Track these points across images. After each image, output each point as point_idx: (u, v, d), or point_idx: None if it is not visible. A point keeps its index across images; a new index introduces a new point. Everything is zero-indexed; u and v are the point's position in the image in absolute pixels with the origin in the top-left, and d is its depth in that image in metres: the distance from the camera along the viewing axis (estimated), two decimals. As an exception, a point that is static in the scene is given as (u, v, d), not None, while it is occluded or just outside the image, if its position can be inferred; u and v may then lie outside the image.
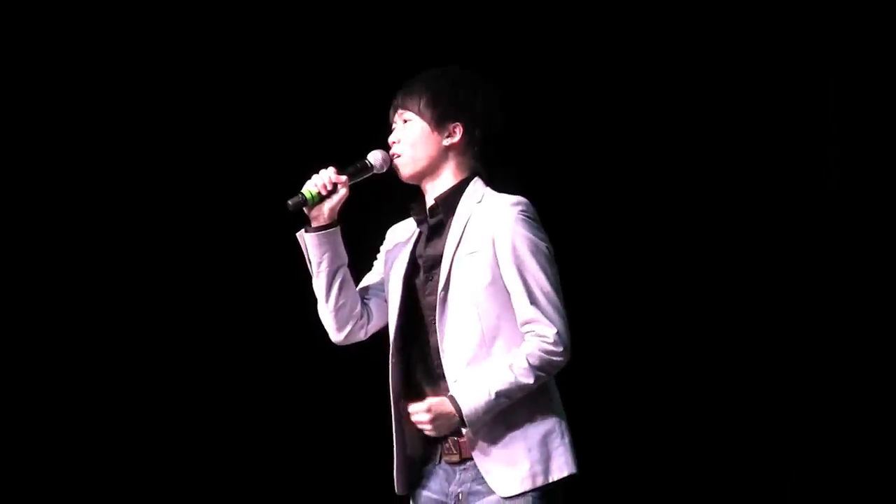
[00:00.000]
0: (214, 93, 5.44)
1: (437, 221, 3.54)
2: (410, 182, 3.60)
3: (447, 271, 3.46)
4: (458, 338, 3.43)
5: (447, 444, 3.47)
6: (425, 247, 3.55)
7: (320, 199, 3.52)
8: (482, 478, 3.42)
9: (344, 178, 3.54)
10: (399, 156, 3.57)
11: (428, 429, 3.40)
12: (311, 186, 3.52)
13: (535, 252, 3.42)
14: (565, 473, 3.42)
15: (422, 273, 3.53)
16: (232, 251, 5.47)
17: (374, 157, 3.57)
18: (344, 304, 3.59)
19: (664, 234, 5.39)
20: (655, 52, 5.40)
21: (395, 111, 3.59)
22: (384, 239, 3.71)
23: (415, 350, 3.53)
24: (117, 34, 5.42)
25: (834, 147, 5.34)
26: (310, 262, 3.58)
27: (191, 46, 5.43)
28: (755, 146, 5.38)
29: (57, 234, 5.42)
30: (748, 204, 5.37)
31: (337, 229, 3.56)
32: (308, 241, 3.56)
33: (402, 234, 3.65)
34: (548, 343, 3.39)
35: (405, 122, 3.57)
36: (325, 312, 3.60)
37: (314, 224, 3.55)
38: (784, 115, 5.36)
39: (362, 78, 5.31)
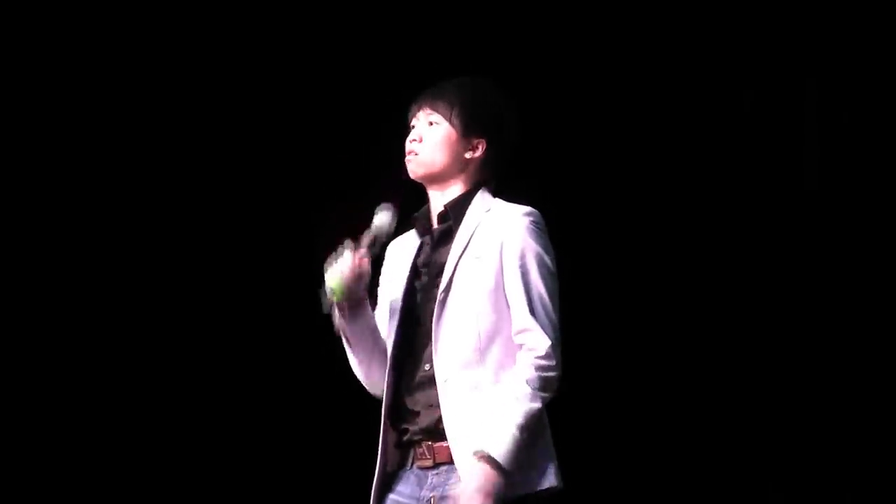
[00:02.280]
0: (223, 93, 5.48)
1: (445, 228, 3.52)
2: (417, 181, 3.55)
3: (450, 275, 3.44)
4: (454, 340, 3.41)
5: (421, 449, 3.45)
6: (431, 254, 3.53)
7: (348, 292, 3.44)
8: (457, 481, 3.38)
9: (363, 250, 3.47)
10: (416, 154, 3.52)
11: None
12: (337, 279, 3.43)
13: (541, 264, 3.42)
14: (546, 486, 3.40)
15: (426, 280, 3.51)
16: (221, 248, 5.52)
17: (382, 221, 3.48)
18: (379, 364, 3.54)
19: (639, 237, 5.40)
20: (634, 54, 5.40)
21: (420, 109, 3.54)
22: (383, 257, 3.65)
23: (408, 361, 3.50)
24: (147, 31, 5.48)
25: (813, 147, 5.35)
26: (347, 342, 3.53)
27: (193, 49, 5.47)
28: (734, 147, 5.39)
29: (59, 233, 5.46)
30: (727, 205, 5.38)
31: (366, 300, 3.51)
32: (349, 331, 3.50)
33: (401, 249, 3.61)
34: (540, 357, 3.37)
35: (431, 123, 3.53)
36: (361, 374, 3.57)
37: (349, 310, 3.48)
38: (763, 115, 5.37)
39: (363, 82, 5.38)
